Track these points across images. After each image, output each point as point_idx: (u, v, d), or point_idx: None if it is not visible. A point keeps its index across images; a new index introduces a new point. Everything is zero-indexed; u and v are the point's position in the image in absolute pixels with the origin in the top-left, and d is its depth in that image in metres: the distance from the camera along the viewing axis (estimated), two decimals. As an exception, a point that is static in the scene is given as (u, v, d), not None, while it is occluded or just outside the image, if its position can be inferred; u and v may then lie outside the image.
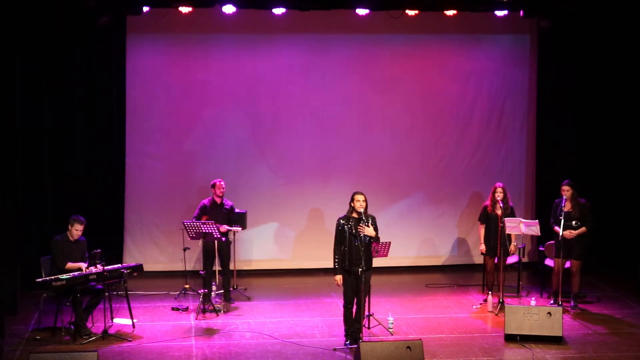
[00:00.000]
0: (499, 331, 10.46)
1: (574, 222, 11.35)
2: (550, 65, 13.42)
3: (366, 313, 10.23)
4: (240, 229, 12.12)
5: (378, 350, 9.00)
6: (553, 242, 11.68)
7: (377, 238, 9.88)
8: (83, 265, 10.39)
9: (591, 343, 10.20)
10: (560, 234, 11.27)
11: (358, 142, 13.62)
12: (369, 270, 9.88)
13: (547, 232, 11.75)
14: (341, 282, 9.85)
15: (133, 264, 11.11)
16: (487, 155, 13.83)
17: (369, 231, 9.74)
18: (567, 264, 11.60)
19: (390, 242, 10.84)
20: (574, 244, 11.40)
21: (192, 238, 11.41)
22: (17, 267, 11.31)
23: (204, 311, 11.23)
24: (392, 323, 10.55)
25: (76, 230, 10.47)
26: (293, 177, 13.55)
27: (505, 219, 11.42)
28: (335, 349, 9.91)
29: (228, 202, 11.94)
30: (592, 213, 11.52)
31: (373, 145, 13.63)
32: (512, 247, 11.60)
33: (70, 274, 10.19)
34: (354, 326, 9.94)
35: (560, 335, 10.11)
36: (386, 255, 10.93)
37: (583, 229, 11.37)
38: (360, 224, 9.74)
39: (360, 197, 9.81)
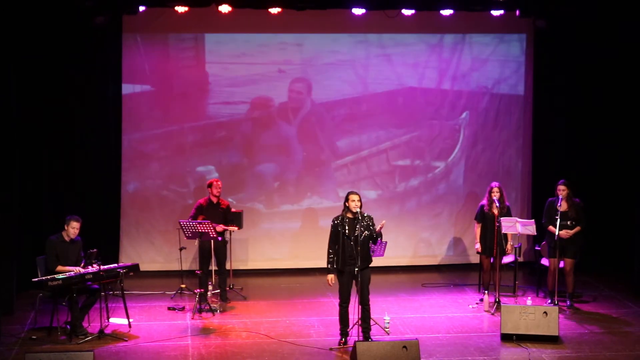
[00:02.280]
0: (495, 331, 10.47)
1: (569, 222, 11.37)
2: (546, 65, 13.43)
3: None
4: (236, 228, 12.13)
5: (374, 350, 9.01)
6: (546, 242, 11.71)
7: (379, 234, 9.86)
8: (75, 269, 10.34)
9: (587, 342, 10.21)
10: (557, 233, 11.29)
11: (354, 142, 13.60)
12: (366, 269, 9.88)
13: (543, 231, 11.75)
14: (333, 282, 9.85)
15: (129, 263, 11.09)
16: (483, 154, 13.84)
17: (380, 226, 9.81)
18: (562, 264, 11.61)
19: (386, 242, 10.84)
20: (568, 243, 11.42)
21: (188, 238, 11.40)
22: (13, 267, 11.29)
23: (200, 311, 11.22)
24: (388, 322, 10.54)
25: (72, 228, 10.44)
26: (289, 177, 13.55)
27: (502, 218, 11.42)
28: (331, 349, 9.91)
29: (224, 202, 11.94)
30: (586, 212, 11.53)
31: (369, 144, 13.63)
32: (508, 247, 11.61)
33: (67, 273, 10.18)
34: (362, 326, 9.94)
35: (557, 334, 10.12)
36: (382, 255, 10.95)
37: (578, 228, 11.40)
38: (382, 223, 9.77)
39: (355, 197, 9.81)
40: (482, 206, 11.79)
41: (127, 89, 12.92)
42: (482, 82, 13.74)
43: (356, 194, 9.85)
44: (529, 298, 11.54)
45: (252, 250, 13.53)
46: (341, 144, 13.62)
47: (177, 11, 12.21)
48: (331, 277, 9.85)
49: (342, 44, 13.43)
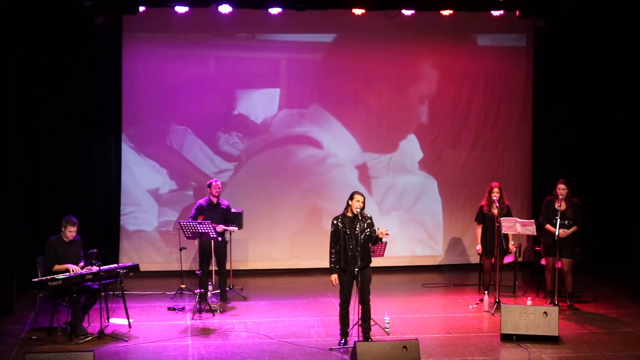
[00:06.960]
0: (495, 331, 10.47)
1: (566, 222, 11.36)
2: (546, 65, 13.44)
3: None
4: (236, 228, 12.13)
5: (374, 350, 9.00)
6: (542, 240, 11.70)
7: (378, 239, 9.87)
8: (71, 266, 10.35)
9: (587, 342, 10.21)
10: (557, 233, 11.28)
11: (354, 142, 13.61)
12: (366, 268, 9.88)
13: (540, 230, 11.72)
14: (336, 282, 9.86)
15: (129, 264, 11.07)
16: (483, 154, 13.85)
17: (382, 233, 9.79)
18: (559, 264, 11.60)
19: (386, 242, 10.84)
20: (565, 243, 11.41)
21: (188, 238, 11.40)
22: (13, 267, 11.29)
23: (200, 311, 11.22)
24: (388, 323, 10.54)
25: (69, 231, 10.44)
26: (289, 177, 13.55)
27: (502, 218, 11.41)
28: (331, 349, 9.91)
29: (224, 202, 11.94)
30: (582, 212, 11.53)
31: (369, 144, 13.64)
32: (511, 246, 11.59)
33: (67, 273, 10.18)
34: (362, 326, 9.94)
35: (557, 334, 10.12)
36: (382, 255, 10.95)
37: (574, 228, 11.40)
38: (386, 231, 9.77)
39: (359, 198, 9.82)
40: (482, 207, 11.78)
41: (126, 88, 12.92)
42: (481, 82, 13.73)
43: (361, 194, 9.87)
44: (529, 298, 11.53)
45: (252, 250, 13.53)
46: (341, 144, 13.61)
47: (177, 11, 12.20)
48: (334, 277, 9.85)
49: (342, 44, 13.43)
